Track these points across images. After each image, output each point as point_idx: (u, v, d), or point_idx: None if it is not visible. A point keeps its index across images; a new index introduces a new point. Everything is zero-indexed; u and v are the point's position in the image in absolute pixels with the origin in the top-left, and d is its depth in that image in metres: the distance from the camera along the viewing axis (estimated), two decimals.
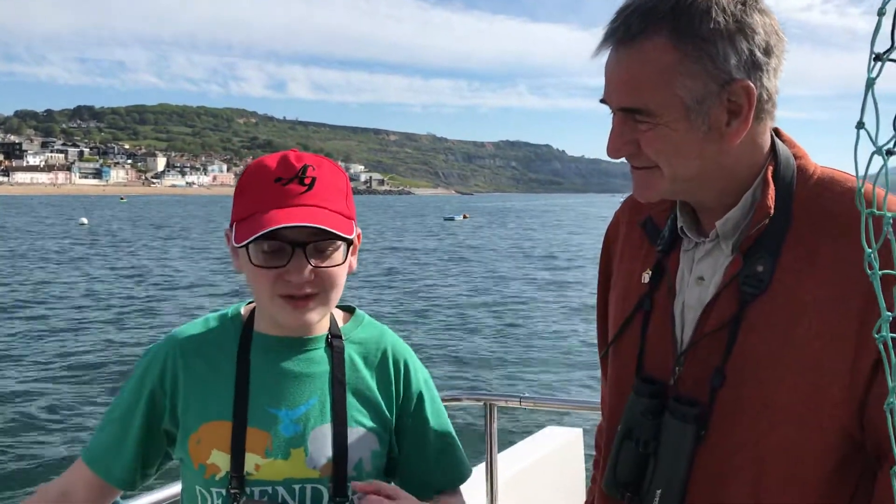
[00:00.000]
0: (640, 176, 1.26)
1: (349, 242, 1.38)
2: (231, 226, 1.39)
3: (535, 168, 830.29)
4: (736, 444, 1.21)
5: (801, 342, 1.16)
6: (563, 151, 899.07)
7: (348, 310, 1.56)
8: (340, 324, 1.51)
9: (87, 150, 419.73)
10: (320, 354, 1.45)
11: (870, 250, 0.68)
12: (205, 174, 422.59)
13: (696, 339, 1.26)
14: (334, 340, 1.47)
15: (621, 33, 1.18)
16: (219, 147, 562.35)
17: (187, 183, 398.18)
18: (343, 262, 1.39)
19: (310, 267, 1.33)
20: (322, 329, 1.47)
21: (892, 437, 0.67)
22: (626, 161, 1.27)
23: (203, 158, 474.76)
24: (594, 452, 1.64)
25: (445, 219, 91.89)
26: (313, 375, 1.44)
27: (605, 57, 1.23)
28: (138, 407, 1.44)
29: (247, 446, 1.37)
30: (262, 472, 1.37)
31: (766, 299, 1.20)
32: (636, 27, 1.16)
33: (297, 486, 1.37)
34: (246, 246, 1.33)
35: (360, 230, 1.46)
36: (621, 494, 1.32)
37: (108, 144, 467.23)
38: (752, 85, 1.16)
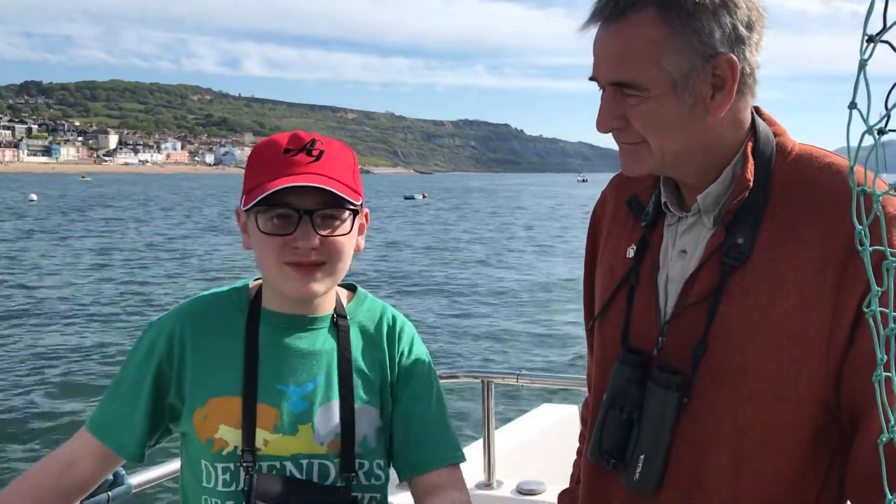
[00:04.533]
0: (629, 151, 1.29)
1: (355, 212, 1.40)
2: (241, 201, 1.40)
3: (494, 147, 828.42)
4: (716, 411, 1.25)
5: (780, 312, 1.20)
6: (522, 131, 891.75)
7: (350, 288, 1.57)
8: (345, 302, 1.52)
9: (35, 127, 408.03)
10: (326, 333, 1.47)
11: (860, 227, 0.70)
12: (158, 152, 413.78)
13: (679, 310, 1.30)
14: (339, 320, 1.48)
15: (610, 10, 1.21)
16: (172, 124, 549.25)
17: (140, 161, 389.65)
18: (350, 232, 1.40)
19: (317, 234, 1.35)
20: (328, 308, 1.48)
21: (881, 408, 0.69)
22: (612, 136, 1.29)
23: (156, 136, 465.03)
24: None
25: (406, 198, 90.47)
26: (320, 353, 1.45)
27: (586, 36, 1.25)
28: (146, 380, 1.43)
29: (256, 422, 1.38)
30: (271, 448, 1.38)
31: (746, 270, 1.24)
32: (624, 3, 1.19)
33: (304, 462, 1.39)
34: (255, 214, 1.35)
35: (367, 210, 1.48)
36: (606, 461, 1.36)
37: (58, 121, 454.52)
38: (735, 58, 1.19)
